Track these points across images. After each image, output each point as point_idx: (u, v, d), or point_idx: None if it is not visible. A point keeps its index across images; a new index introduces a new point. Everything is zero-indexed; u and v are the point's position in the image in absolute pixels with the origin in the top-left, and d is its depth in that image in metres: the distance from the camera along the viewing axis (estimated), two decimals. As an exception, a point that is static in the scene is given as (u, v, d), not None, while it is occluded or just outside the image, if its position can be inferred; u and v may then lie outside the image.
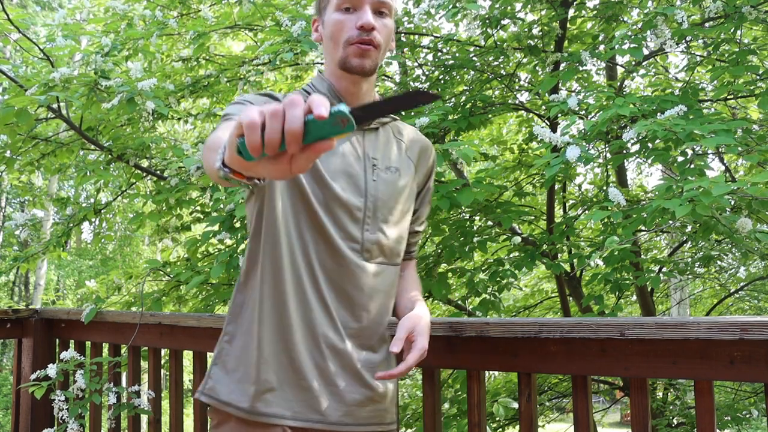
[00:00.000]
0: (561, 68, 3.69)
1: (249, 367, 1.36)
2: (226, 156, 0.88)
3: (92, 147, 3.82)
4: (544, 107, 4.33)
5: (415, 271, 1.64)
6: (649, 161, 4.50)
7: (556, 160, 2.45)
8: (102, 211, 4.11)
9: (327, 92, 1.43)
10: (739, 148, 2.59)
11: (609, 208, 2.56)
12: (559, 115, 3.11)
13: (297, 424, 1.35)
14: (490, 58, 4.10)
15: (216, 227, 3.19)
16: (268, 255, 1.37)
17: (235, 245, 3.30)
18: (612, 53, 3.15)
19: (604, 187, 5.13)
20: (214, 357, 1.44)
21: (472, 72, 4.27)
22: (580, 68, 3.63)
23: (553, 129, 4.05)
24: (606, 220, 4.02)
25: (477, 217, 4.18)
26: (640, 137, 2.68)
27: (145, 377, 3.07)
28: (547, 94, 3.57)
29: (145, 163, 4.01)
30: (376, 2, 1.37)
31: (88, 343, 2.86)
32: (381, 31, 1.38)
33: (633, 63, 4.43)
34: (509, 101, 4.50)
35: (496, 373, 5.84)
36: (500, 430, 5.49)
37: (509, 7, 3.74)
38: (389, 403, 1.47)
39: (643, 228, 2.71)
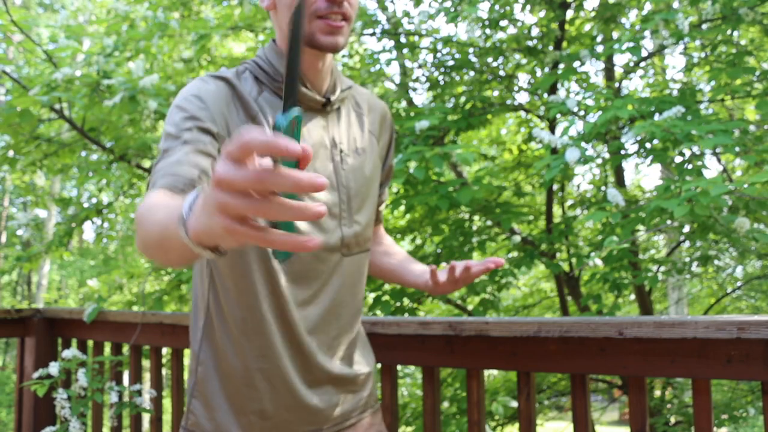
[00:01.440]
0: (559, 69, 3.71)
1: (236, 397, 1.26)
2: (190, 227, 0.71)
3: (94, 147, 3.83)
4: (543, 108, 4.35)
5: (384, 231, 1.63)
6: (648, 161, 4.51)
7: (555, 162, 2.46)
8: (104, 210, 4.12)
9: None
10: (737, 149, 2.61)
11: (608, 209, 2.57)
12: (558, 116, 3.13)
13: None
14: (490, 59, 4.11)
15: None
16: (235, 272, 1.23)
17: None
18: (611, 51, 3.17)
19: (603, 187, 5.14)
20: (190, 389, 1.31)
21: (471, 73, 4.29)
22: (579, 69, 3.65)
23: (552, 129, 4.07)
24: (605, 220, 4.04)
25: (476, 218, 4.20)
26: (639, 138, 2.69)
27: (146, 376, 3.09)
28: (545, 95, 3.59)
29: (146, 163, 4.02)
30: None
31: (90, 342, 2.87)
32: (351, 2, 1.20)
33: (631, 64, 4.45)
34: (508, 102, 4.52)
35: (495, 372, 5.86)
36: (499, 428, 5.51)
37: (508, 9, 3.76)
38: (371, 387, 1.45)
39: (642, 228, 2.72)
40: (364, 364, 1.42)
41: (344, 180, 1.28)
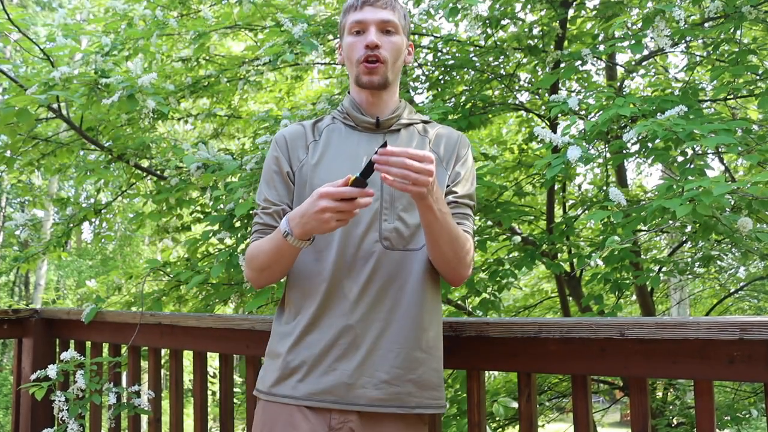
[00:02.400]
0: (561, 67, 3.69)
1: (279, 357, 1.54)
2: (295, 233, 1.40)
3: (92, 147, 3.81)
4: (543, 107, 4.33)
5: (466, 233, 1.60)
6: (649, 161, 4.48)
7: (556, 160, 2.44)
8: (102, 211, 4.11)
9: (350, 106, 1.63)
10: (739, 148, 2.59)
11: (609, 208, 2.55)
12: (559, 115, 3.11)
13: (310, 404, 1.48)
14: (490, 58, 4.09)
15: (216, 227, 3.19)
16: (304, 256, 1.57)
17: (235, 245, 3.30)
18: (612, 49, 3.14)
19: (604, 187, 5.12)
20: None
21: (472, 72, 4.27)
22: (580, 68, 3.62)
23: (553, 129, 4.05)
24: (606, 220, 4.01)
25: (477, 217, 4.18)
26: (641, 137, 2.67)
27: (145, 377, 3.07)
28: (547, 95, 3.57)
29: (145, 163, 4.00)
30: (380, 22, 1.57)
31: (88, 343, 2.86)
32: (386, 47, 1.57)
33: (633, 63, 4.43)
34: (509, 101, 4.50)
35: (496, 373, 5.84)
36: (500, 429, 5.49)
37: (509, 8, 3.74)
38: (414, 387, 1.51)
39: (643, 227, 2.70)
40: (409, 361, 1.51)
41: None
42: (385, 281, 1.52)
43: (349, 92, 1.68)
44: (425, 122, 1.69)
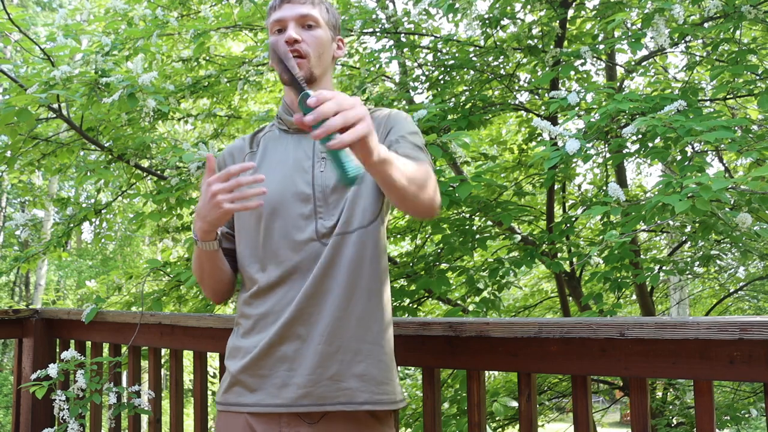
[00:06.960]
0: (560, 65, 3.69)
1: (230, 366, 1.56)
2: (196, 229, 1.47)
3: (93, 147, 3.81)
4: (543, 107, 4.33)
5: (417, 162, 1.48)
6: (649, 161, 4.48)
7: (555, 153, 2.45)
8: (102, 211, 4.11)
9: (282, 109, 1.62)
10: (738, 147, 2.59)
11: (609, 204, 2.56)
12: (558, 113, 3.11)
13: (257, 410, 1.48)
14: (490, 59, 4.10)
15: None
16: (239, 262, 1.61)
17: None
18: (611, 45, 3.12)
19: (604, 187, 5.13)
20: None
21: (471, 72, 4.27)
22: (580, 68, 3.62)
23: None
24: (605, 219, 4.01)
25: (476, 217, 4.18)
26: (640, 133, 2.68)
27: (145, 377, 3.07)
28: (547, 94, 3.57)
29: (145, 163, 4.00)
30: (298, 17, 1.54)
31: (88, 343, 2.86)
32: (308, 41, 1.53)
33: (633, 63, 4.43)
34: (509, 101, 4.50)
35: (496, 372, 5.84)
36: (500, 429, 5.50)
37: (509, 7, 3.74)
38: (359, 382, 1.46)
39: (643, 225, 2.70)
40: (351, 354, 1.46)
41: (319, 179, 1.52)
42: (322, 273, 1.47)
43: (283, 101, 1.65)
44: None
